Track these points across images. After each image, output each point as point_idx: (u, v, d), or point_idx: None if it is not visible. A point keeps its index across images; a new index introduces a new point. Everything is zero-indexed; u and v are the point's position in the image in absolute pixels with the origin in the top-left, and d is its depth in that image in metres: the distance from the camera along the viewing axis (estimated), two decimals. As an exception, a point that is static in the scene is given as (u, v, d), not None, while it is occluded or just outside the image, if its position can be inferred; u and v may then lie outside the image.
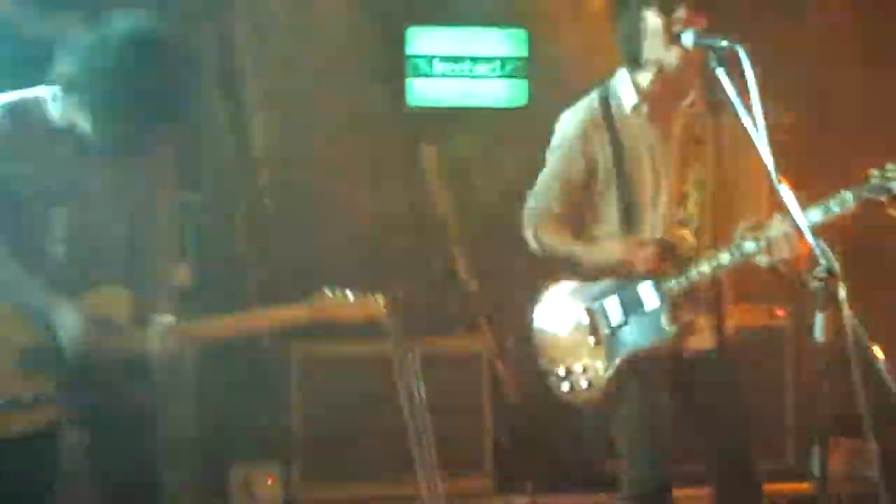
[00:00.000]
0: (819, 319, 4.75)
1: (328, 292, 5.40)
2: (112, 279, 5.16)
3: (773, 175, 4.62)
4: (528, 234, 5.73)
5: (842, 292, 4.48)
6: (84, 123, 5.06)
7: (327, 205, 7.62)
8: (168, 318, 5.15)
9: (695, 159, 5.48)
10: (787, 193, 4.62)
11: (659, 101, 5.44)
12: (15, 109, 5.15)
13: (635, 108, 5.47)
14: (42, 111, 5.16)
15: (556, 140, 5.68)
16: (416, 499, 6.57)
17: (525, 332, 5.82)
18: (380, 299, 5.49)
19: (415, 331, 6.71)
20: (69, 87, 5.04)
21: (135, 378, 5.18)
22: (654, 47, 5.29)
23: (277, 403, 7.41)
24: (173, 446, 6.57)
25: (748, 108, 4.74)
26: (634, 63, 5.42)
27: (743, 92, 4.75)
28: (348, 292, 5.38)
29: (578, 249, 5.60)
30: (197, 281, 6.70)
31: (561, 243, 5.64)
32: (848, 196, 4.99)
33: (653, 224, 5.50)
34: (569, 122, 5.62)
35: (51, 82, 5.08)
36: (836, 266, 4.49)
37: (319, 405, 7.28)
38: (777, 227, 5.12)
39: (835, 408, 4.85)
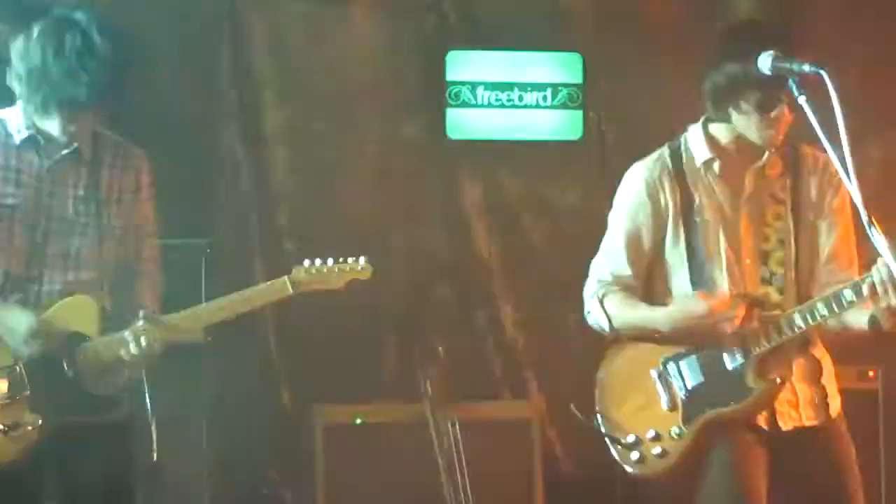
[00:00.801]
0: None
1: (306, 263, 5.41)
2: (81, 282, 5.20)
3: (864, 215, 4.40)
4: (594, 306, 5.40)
5: None
6: (44, 121, 5.17)
7: (356, 249, 7.06)
8: (141, 321, 5.16)
9: (774, 218, 5.32)
10: (879, 236, 4.44)
11: (734, 158, 5.27)
12: None
13: (707, 163, 5.28)
14: (10, 130, 5.20)
15: (622, 197, 5.46)
16: None
17: (580, 396, 5.43)
18: (362, 260, 5.48)
19: (456, 393, 7.06)
20: (29, 87, 5.15)
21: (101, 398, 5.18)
22: (743, 124, 5.14)
23: (300, 475, 7.16)
24: None
25: (835, 141, 4.48)
26: (718, 117, 5.22)
27: (828, 122, 4.45)
28: (329, 260, 5.40)
29: (657, 314, 5.29)
30: (212, 331, 6.10)
31: (635, 311, 5.34)
32: None
33: (726, 285, 5.27)
34: (637, 178, 5.38)
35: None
36: None
37: (346, 475, 6.93)
38: (880, 271, 4.79)
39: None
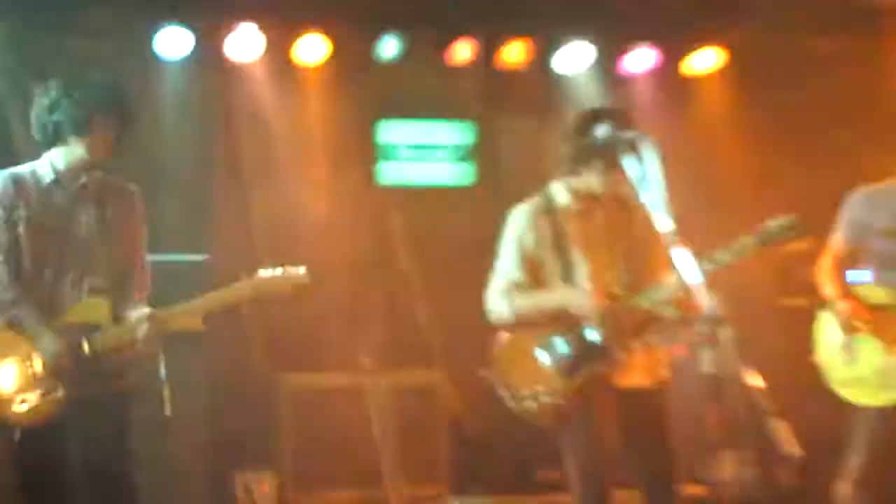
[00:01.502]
0: (706, 355, 4.84)
1: (263, 271, 5.33)
2: (95, 288, 5.19)
3: (672, 238, 4.65)
4: (499, 305, 5.56)
5: (725, 333, 4.51)
6: (62, 163, 5.21)
7: (313, 260, 7.49)
8: (143, 309, 5.17)
9: (616, 241, 5.47)
10: (683, 254, 4.64)
11: (587, 201, 5.45)
12: (14, 176, 5.22)
13: (569, 205, 5.47)
14: (34, 179, 5.22)
15: (511, 231, 5.59)
16: (384, 502, 6.77)
17: (474, 363, 5.72)
18: (301, 269, 5.37)
19: (385, 365, 7.16)
20: (47, 126, 5.18)
21: (113, 370, 5.20)
22: (590, 180, 5.36)
23: (272, 426, 7.33)
24: (188, 459, 6.73)
25: (651, 187, 4.77)
26: (572, 174, 5.41)
27: (648, 174, 4.80)
28: (279, 269, 5.32)
29: (545, 296, 5.49)
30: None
31: (529, 297, 5.50)
32: (748, 240, 5.07)
33: (589, 295, 5.44)
34: (522, 215, 5.55)
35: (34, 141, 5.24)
36: (720, 312, 4.51)
37: (305, 427, 7.22)
38: (677, 280, 5.02)
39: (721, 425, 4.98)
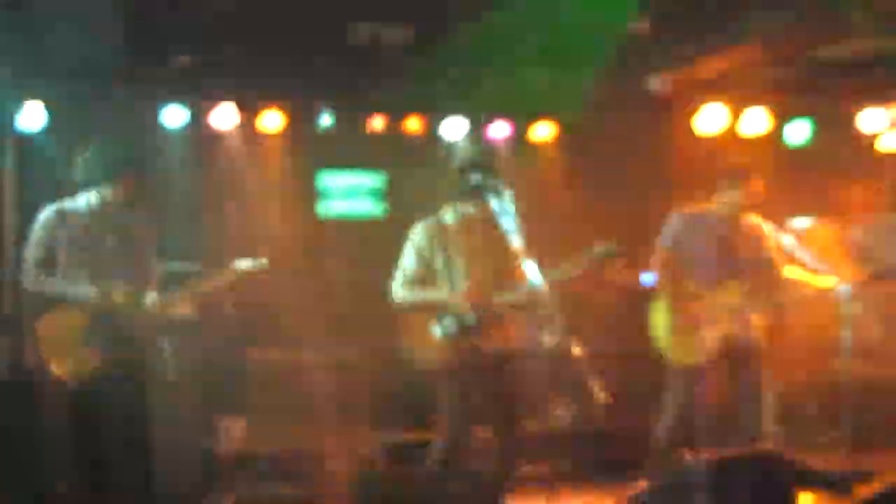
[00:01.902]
0: (547, 333, 5.04)
1: (238, 261, 5.51)
2: (118, 281, 5.35)
3: (523, 253, 4.96)
4: (399, 295, 5.60)
5: (557, 317, 4.86)
6: (96, 198, 5.35)
7: (272, 270, 7.29)
8: (153, 296, 5.38)
9: (486, 249, 5.51)
10: (531, 265, 4.94)
11: (465, 221, 5.55)
12: (59, 210, 5.39)
13: (453, 223, 5.57)
14: (79, 210, 5.39)
15: (411, 241, 5.65)
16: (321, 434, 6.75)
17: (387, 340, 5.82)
18: (264, 260, 5.53)
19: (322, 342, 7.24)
20: (84, 176, 5.36)
21: (134, 342, 5.40)
22: (467, 208, 5.49)
23: (242, 385, 7.16)
24: (185, 408, 6.57)
25: (508, 218, 5.06)
26: (457, 193, 5.52)
27: (506, 209, 5.09)
28: (248, 260, 5.50)
29: (433, 293, 5.53)
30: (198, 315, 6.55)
31: (421, 293, 5.56)
32: (576, 262, 5.28)
33: (465, 289, 5.51)
34: (419, 230, 5.63)
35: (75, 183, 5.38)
36: (554, 301, 4.86)
37: (266, 385, 7.10)
38: (526, 284, 5.14)
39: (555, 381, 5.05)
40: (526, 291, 5.22)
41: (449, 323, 5.51)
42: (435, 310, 5.50)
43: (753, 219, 6.18)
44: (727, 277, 6.04)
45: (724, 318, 6.00)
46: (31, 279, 5.38)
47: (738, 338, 6.02)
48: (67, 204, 5.43)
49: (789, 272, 6.16)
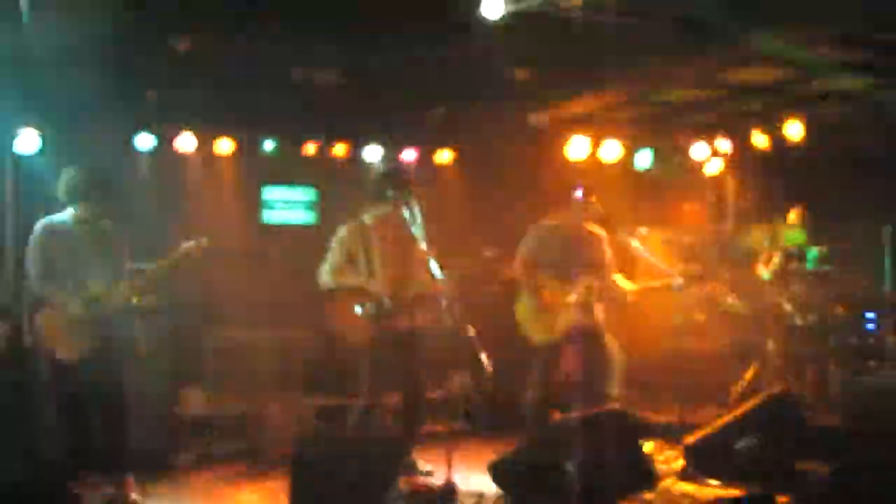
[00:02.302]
0: (447, 316, 5.06)
1: (184, 242, 5.47)
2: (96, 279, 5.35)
3: (428, 252, 5.16)
4: (324, 280, 5.59)
5: (456, 305, 5.07)
6: (75, 214, 5.34)
7: (226, 266, 7.17)
8: (121, 287, 5.37)
9: (398, 246, 5.57)
10: (433, 261, 5.14)
11: (384, 221, 5.62)
12: (48, 225, 5.38)
13: (372, 224, 5.50)
14: (65, 223, 5.38)
15: (338, 236, 5.65)
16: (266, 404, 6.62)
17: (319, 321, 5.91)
18: (204, 238, 5.46)
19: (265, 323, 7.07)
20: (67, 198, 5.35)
21: (112, 326, 5.42)
22: (383, 213, 5.60)
23: (200, 360, 7.05)
24: (151, 380, 6.41)
25: (416, 223, 5.26)
26: (375, 203, 5.60)
27: (415, 215, 5.27)
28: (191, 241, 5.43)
29: (354, 280, 5.52)
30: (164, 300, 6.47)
31: (344, 280, 5.56)
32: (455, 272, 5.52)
33: (381, 278, 5.59)
34: (344, 229, 5.63)
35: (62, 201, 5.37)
36: (453, 294, 5.09)
37: (223, 359, 7.02)
38: (428, 276, 5.26)
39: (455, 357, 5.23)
40: (429, 282, 5.30)
41: (369, 306, 5.54)
42: (357, 295, 5.52)
43: (595, 229, 6.21)
44: (574, 275, 6.04)
45: (571, 306, 6.00)
46: (37, 288, 5.43)
47: (584, 323, 6.03)
48: (55, 218, 5.47)
49: (626, 274, 6.22)
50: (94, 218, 5.46)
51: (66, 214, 5.47)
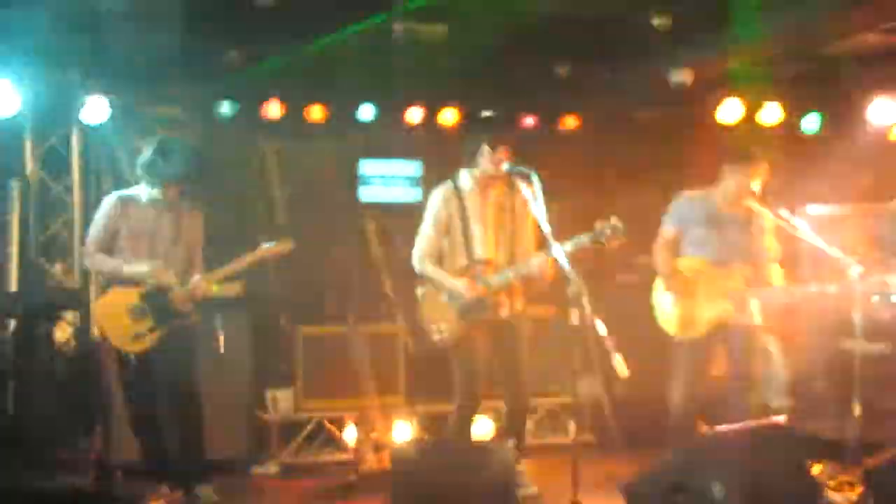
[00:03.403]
0: (573, 312, 5.13)
1: (265, 244, 5.66)
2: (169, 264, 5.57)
3: (549, 234, 5.11)
4: (419, 264, 5.71)
5: (584, 297, 4.91)
6: (155, 192, 5.52)
7: (316, 256, 7.57)
8: (197, 277, 5.60)
9: (501, 217, 5.64)
10: (557, 246, 5.10)
11: (482, 185, 5.63)
12: (122, 197, 5.61)
13: (471, 188, 5.63)
14: (140, 200, 5.59)
15: (429, 207, 5.73)
16: (364, 407, 6.68)
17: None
18: (289, 241, 5.67)
19: (363, 320, 7.16)
20: (147, 174, 5.52)
21: (182, 317, 5.61)
22: (485, 163, 5.57)
23: (292, 359, 7.24)
24: (236, 380, 6.65)
25: (537, 202, 5.17)
26: (472, 165, 5.62)
27: (535, 195, 5.19)
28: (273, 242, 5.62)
29: (444, 277, 5.63)
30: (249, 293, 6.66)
31: (437, 271, 5.67)
32: (586, 237, 5.30)
33: (480, 247, 5.59)
34: (437, 195, 5.71)
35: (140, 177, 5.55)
36: (581, 282, 4.92)
37: (314, 360, 7.18)
38: (535, 259, 5.41)
39: (580, 358, 5.11)
40: (536, 270, 5.37)
41: (461, 298, 5.61)
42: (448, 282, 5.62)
43: (754, 205, 6.00)
44: (726, 260, 5.91)
45: (723, 298, 5.88)
46: (89, 258, 5.65)
47: (739, 318, 5.89)
48: (130, 192, 5.66)
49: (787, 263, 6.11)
50: (173, 197, 5.61)
51: (143, 191, 5.64)
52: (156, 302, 5.54)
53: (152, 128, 6.92)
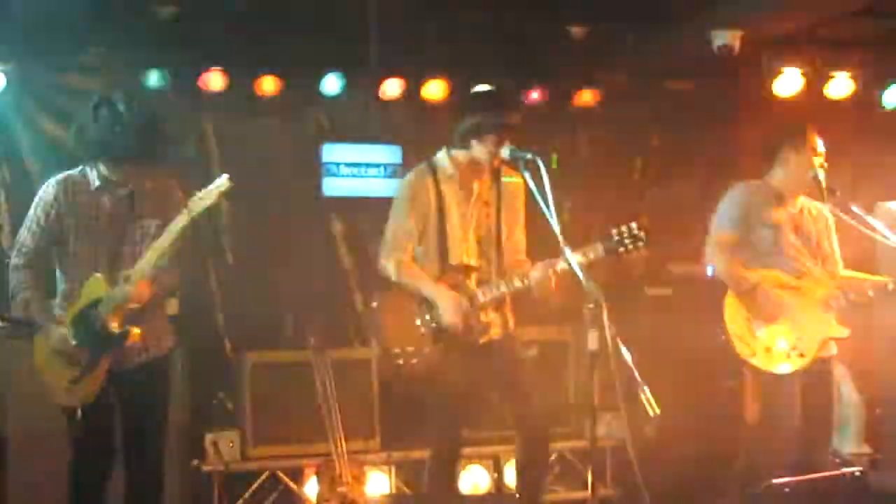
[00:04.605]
0: (590, 334, 4.91)
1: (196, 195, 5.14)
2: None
3: (560, 237, 4.78)
4: (388, 265, 5.53)
5: (605, 315, 4.59)
6: (105, 169, 5.13)
7: (268, 261, 7.59)
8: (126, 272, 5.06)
9: (485, 215, 5.51)
10: (568, 252, 4.80)
11: (465, 173, 5.47)
12: (63, 181, 5.20)
13: (451, 175, 5.46)
14: (86, 183, 5.20)
15: (401, 193, 5.60)
16: (328, 454, 6.73)
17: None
18: (223, 177, 5.12)
19: (328, 345, 7.10)
20: (91, 149, 5.12)
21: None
22: (479, 147, 5.35)
23: (237, 393, 7.25)
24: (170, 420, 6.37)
25: (544, 197, 4.85)
26: (463, 147, 5.41)
27: (540, 187, 4.88)
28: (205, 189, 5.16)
29: (424, 285, 5.44)
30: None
31: (413, 279, 5.47)
32: (599, 247, 5.11)
33: (458, 253, 5.48)
34: (411, 179, 5.56)
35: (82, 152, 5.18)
36: (601, 297, 4.60)
37: (264, 394, 7.14)
38: (536, 272, 5.23)
39: (600, 392, 5.00)
40: (533, 279, 5.24)
41: (437, 316, 5.43)
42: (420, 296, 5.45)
43: (812, 204, 6.01)
44: (800, 266, 5.84)
45: (815, 315, 5.79)
46: (13, 264, 5.31)
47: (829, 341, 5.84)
48: (75, 173, 5.31)
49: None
50: (126, 179, 5.22)
51: (89, 172, 5.26)
52: (88, 333, 5.12)
53: (62, 104, 6.91)
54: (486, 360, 5.49)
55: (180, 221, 5.07)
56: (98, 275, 5.12)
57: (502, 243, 5.57)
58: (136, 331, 5.10)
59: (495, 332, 5.52)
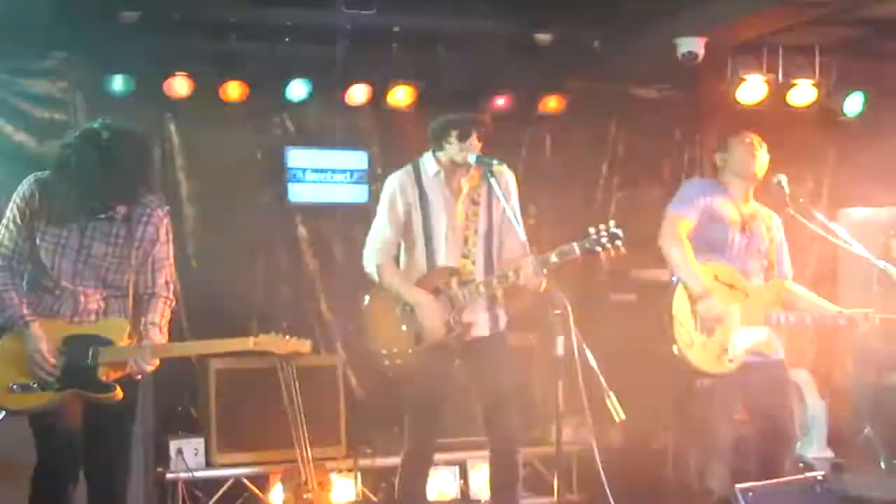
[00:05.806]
0: (557, 340, 4.97)
1: (273, 334, 5.08)
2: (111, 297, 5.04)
3: (524, 239, 5.08)
4: (371, 265, 5.57)
5: (571, 321, 4.78)
6: (70, 192, 4.85)
7: (233, 267, 7.58)
8: (148, 340, 4.97)
9: (474, 214, 5.52)
10: (533, 256, 5.01)
11: (450, 172, 5.50)
12: (41, 181, 4.94)
13: (436, 174, 5.50)
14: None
15: (384, 195, 5.60)
16: (294, 461, 6.75)
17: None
18: (307, 342, 5.11)
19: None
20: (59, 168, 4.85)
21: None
22: (451, 147, 5.42)
23: (201, 400, 7.25)
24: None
25: (508, 200, 5.26)
26: (439, 149, 5.48)
27: (508, 193, 5.26)
28: (286, 336, 5.08)
29: (406, 288, 5.47)
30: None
31: (396, 280, 5.50)
32: (574, 246, 5.14)
33: (446, 253, 5.50)
34: (393, 182, 5.58)
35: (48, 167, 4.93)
36: (567, 303, 4.78)
37: (229, 401, 7.11)
38: (526, 267, 5.20)
39: (565, 397, 5.05)
40: (522, 274, 5.23)
41: (420, 318, 5.46)
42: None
43: (763, 208, 5.96)
44: (756, 269, 5.80)
45: (758, 321, 5.71)
46: None
47: (771, 344, 5.76)
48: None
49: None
50: (104, 197, 4.95)
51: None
52: (76, 360, 4.93)
53: (21, 111, 6.97)
54: (470, 360, 5.53)
55: (238, 345, 5.09)
56: (124, 320, 5.00)
57: (493, 242, 5.59)
58: (119, 394, 4.97)
59: (482, 331, 5.54)
